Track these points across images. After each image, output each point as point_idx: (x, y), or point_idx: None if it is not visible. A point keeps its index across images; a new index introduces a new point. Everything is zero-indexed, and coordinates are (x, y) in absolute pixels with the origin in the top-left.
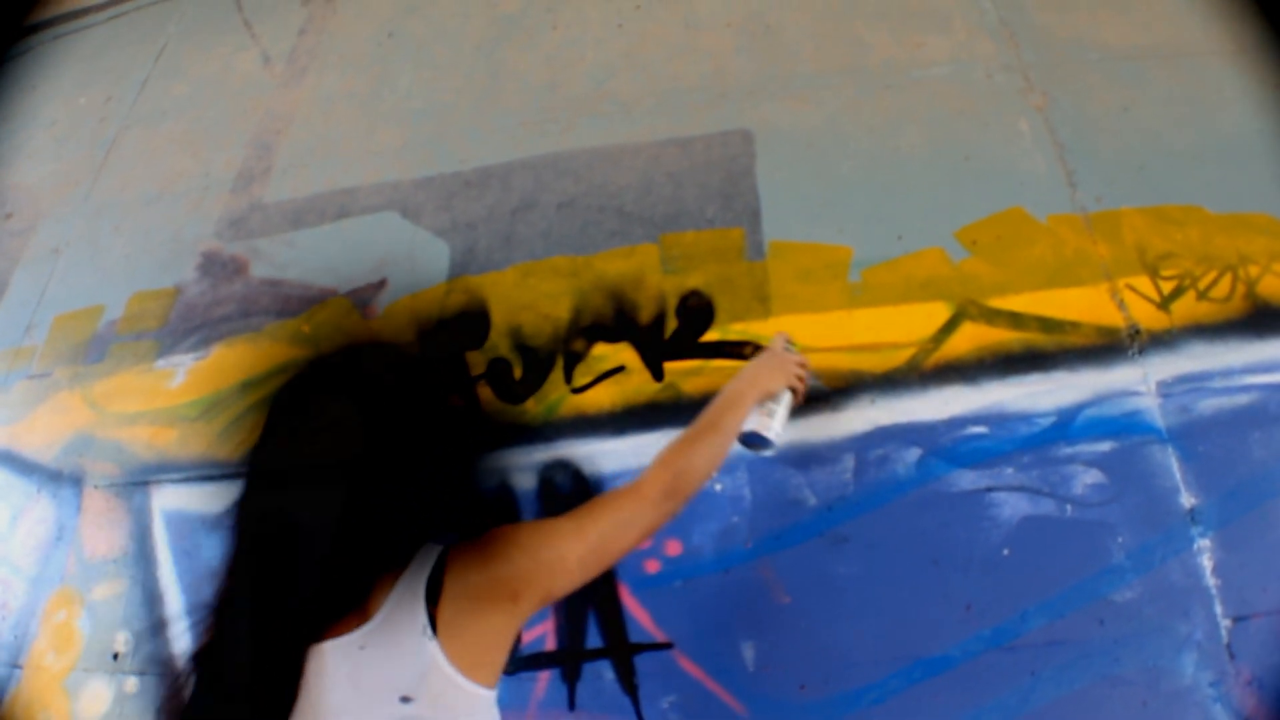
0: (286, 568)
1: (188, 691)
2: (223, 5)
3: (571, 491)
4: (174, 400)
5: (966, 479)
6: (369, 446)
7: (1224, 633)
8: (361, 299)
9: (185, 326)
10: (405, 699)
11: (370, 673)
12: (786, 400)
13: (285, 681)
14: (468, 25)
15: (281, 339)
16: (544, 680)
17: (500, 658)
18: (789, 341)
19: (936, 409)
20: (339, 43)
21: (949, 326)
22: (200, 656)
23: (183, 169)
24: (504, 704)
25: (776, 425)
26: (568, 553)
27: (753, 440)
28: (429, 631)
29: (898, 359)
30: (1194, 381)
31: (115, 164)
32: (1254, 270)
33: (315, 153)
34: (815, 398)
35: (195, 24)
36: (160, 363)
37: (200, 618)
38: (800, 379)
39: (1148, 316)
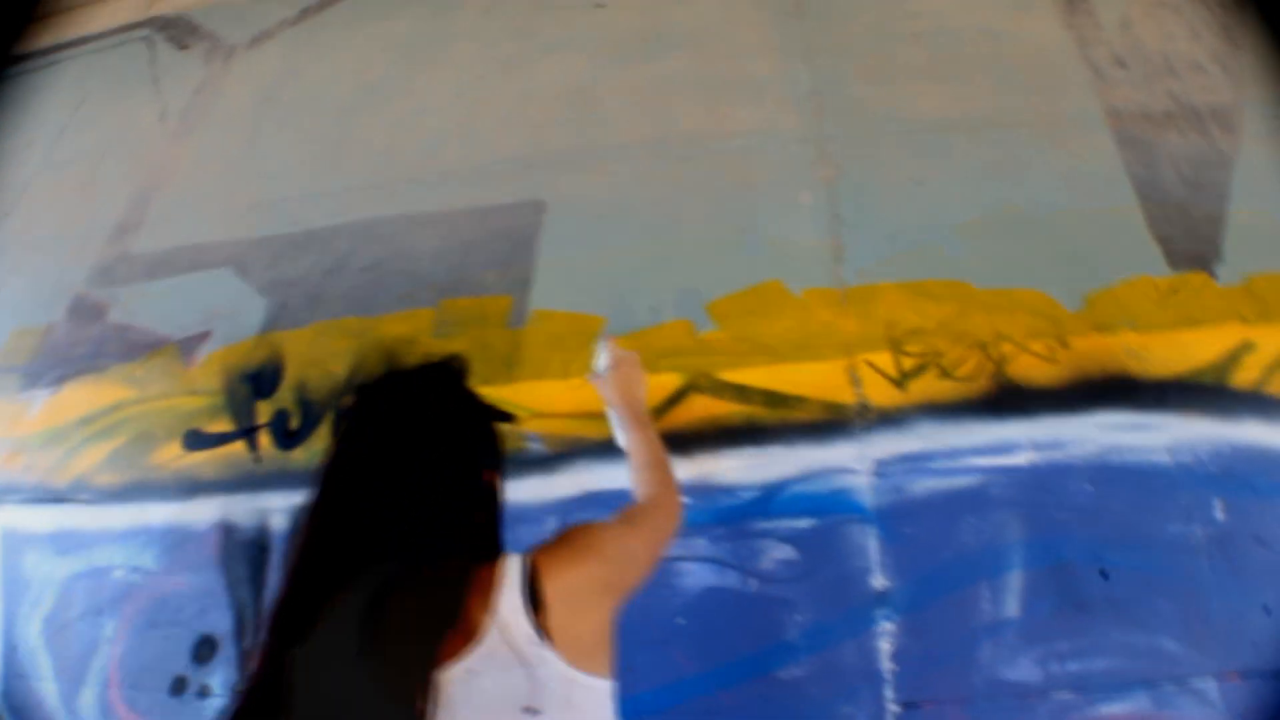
0: (391, 589)
1: None
2: (139, 59)
3: None
4: (27, 430)
5: None
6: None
7: (889, 718)
8: (188, 348)
9: (48, 363)
10: (530, 710)
11: (488, 694)
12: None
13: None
14: (335, 90)
15: (118, 380)
16: None
17: (609, 647)
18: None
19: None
20: (225, 102)
21: (676, 397)
22: (272, 692)
23: (76, 215)
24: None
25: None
26: (637, 549)
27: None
28: (539, 640)
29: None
30: (915, 461)
31: (25, 206)
32: (1007, 349)
33: (182, 207)
34: (535, 460)
35: (114, 76)
36: (22, 395)
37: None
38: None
39: (881, 393)
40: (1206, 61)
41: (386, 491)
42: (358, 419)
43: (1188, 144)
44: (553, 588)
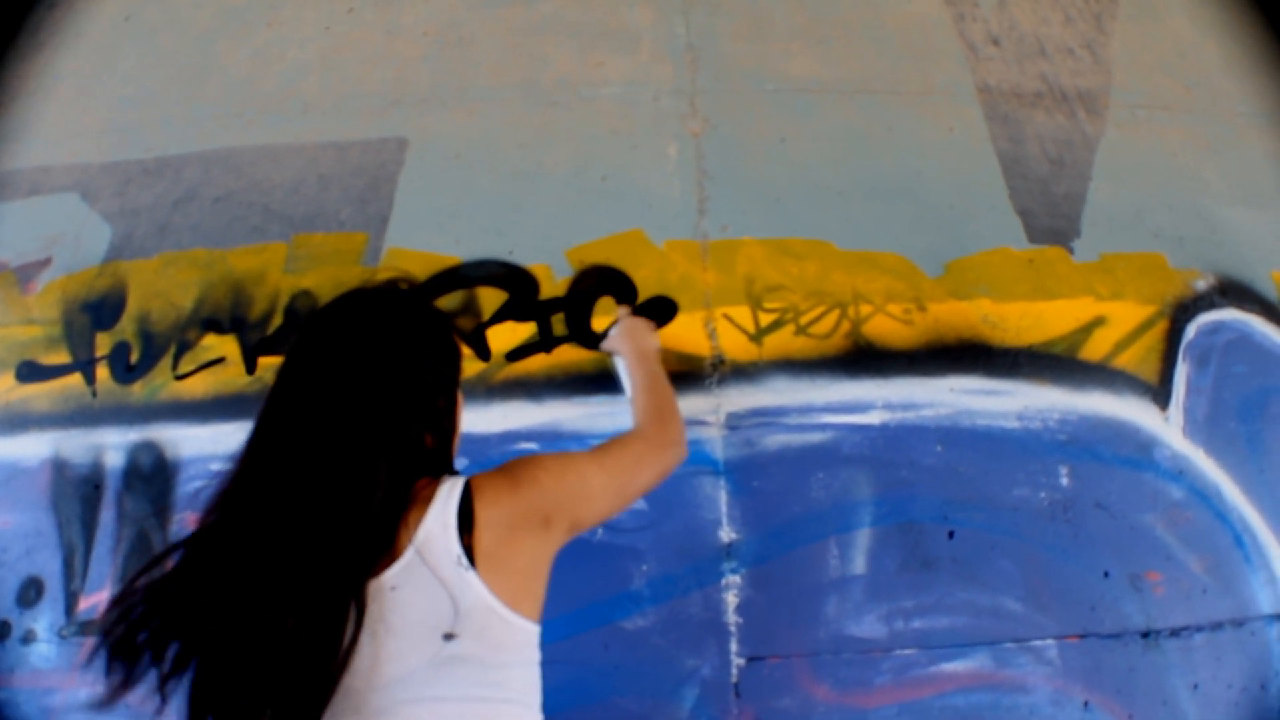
0: (322, 510)
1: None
2: None
3: (152, 473)
4: None
5: None
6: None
7: (734, 671)
8: (26, 275)
9: None
10: (448, 636)
11: (406, 614)
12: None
13: (332, 629)
14: (197, 15)
15: None
16: (89, 646)
17: (540, 589)
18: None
19: (495, 422)
20: (81, 21)
21: (529, 343)
22: (204, 615)
23: None
24: (52, 665)
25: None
26: (592, 479)
27: None
28: (465, 562)
29: (469, 370)
30: (767, 416)
31: None
32: (865, 309)
33: (28, 129)
34: None
35: None
36: None
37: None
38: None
39: (737, 348)
40: (1078, 47)
41: (341, 402)
42: (320, 330)
43: (1054, 124)
44: (484, 512)
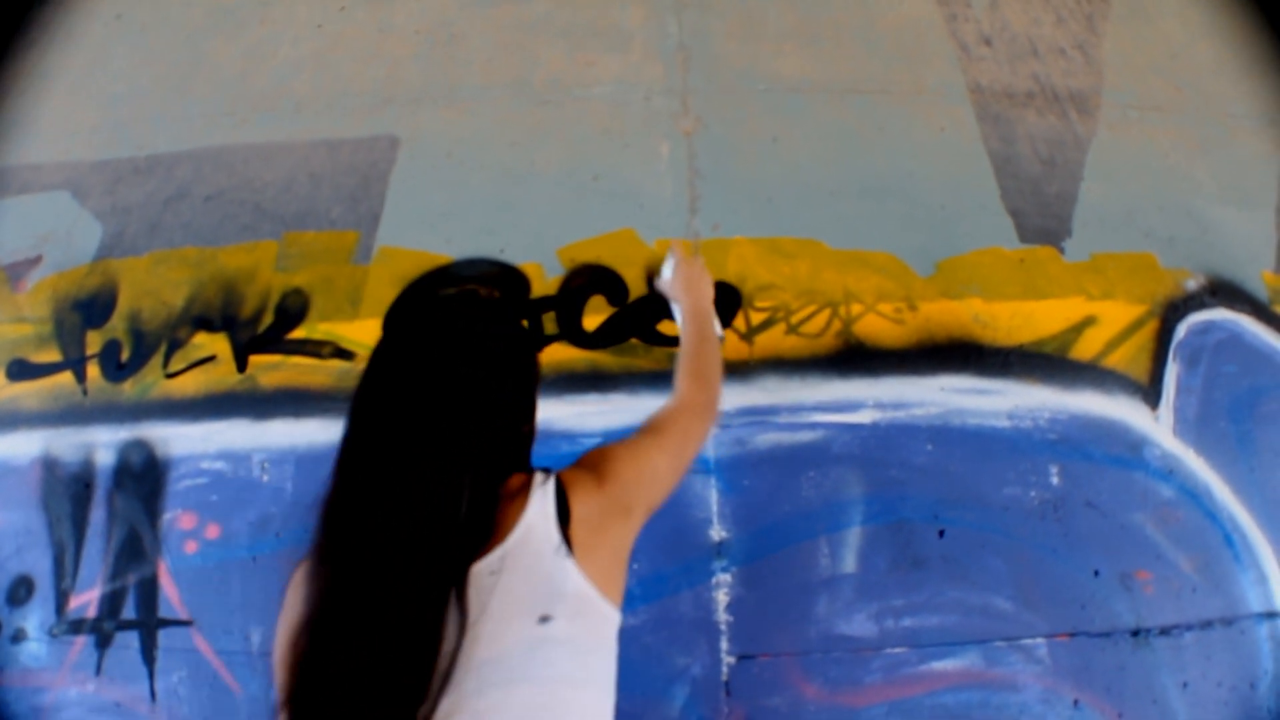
0: (429, 495)
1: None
2: None
3: (143, 472)
4: None
5: None
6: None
7: (725, 670)
8: (17, 273)
9: None
10: (544, 618)
11: (506, 596)
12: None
13: (435, 617)
14: (189, 13)
15: None
16: (79, 645)
17: (623, 577)
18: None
19: None
20: (72, 19)
21: None
22: (324, 597)
23: None
24: (42, 664)
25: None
26: (659, 463)
27: None
28: (564, 550)
29: None
30: (758, 415)
31: None
32: (856, 308)
33: (18, 127)
34: None
35: None
36: None
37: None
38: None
39: (728, 346)
40: (1069, 47)
41: (433, 413)
42: (409, 341)
43: (1046, 124)
44: (578, 506)
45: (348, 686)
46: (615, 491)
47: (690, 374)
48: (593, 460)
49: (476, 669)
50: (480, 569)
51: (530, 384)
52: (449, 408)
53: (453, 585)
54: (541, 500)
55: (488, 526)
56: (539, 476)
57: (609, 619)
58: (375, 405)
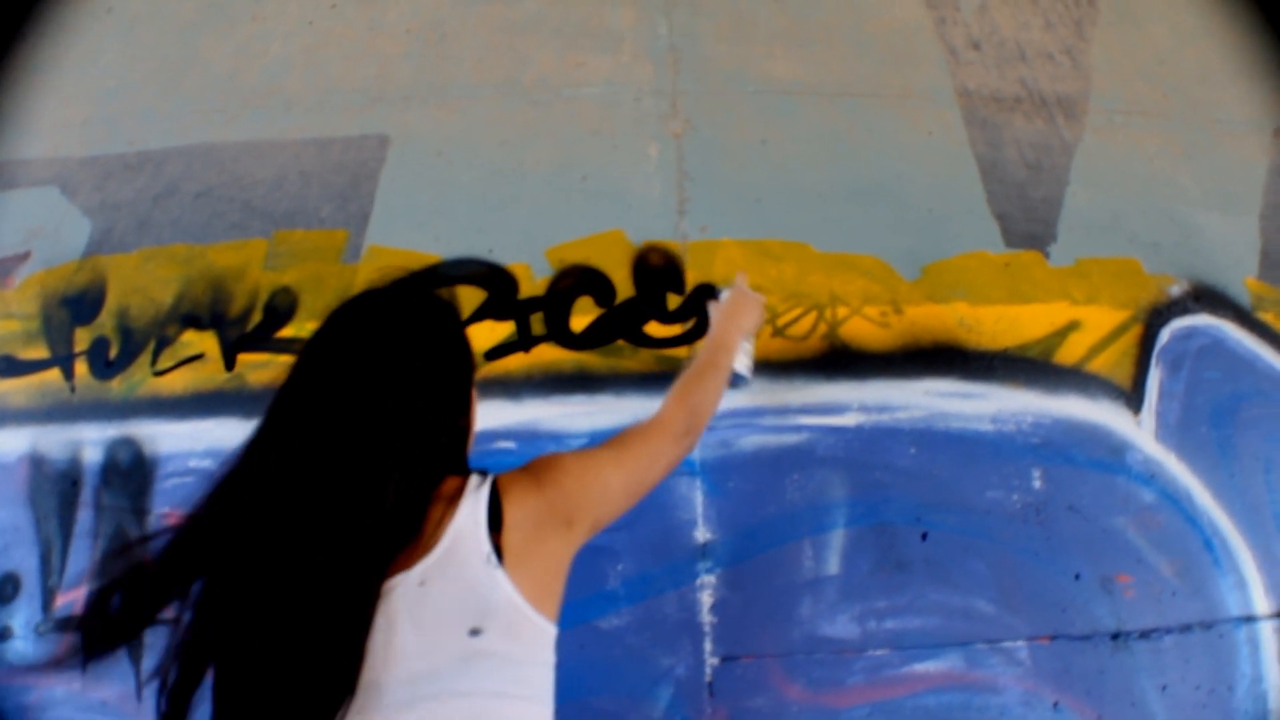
0: (347, 500)
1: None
2: None
3: (131, 469)
4: None
5: None
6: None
7: (708, 671)
8: (5, 269)
9: None
10: (475, 631)
11: (434, 608)
12: (752, 338)
13: (360, 625)
14: (180, 8)
15: None
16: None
17: (560, 589)
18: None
19: None
20: (61, 13)
21: (508, 342)
22: (231, 605)
23: None
24: (28, 660)
25: (749, 361)
26: (611, 479)
27: (732, 379)
28: (494, 560)
29: None
30: (743, 417)
31: None
32: (842, 311)
33: (7, 119)
34: None
35: None
36: None
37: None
38: (764, 316)
39: None
40: (1057, 52)
41: (355, 403)
42: (333, 332)
43: (1032, 129)
44: (512, 512)
45: (267, 697)
46: (555, 500)
47: (681, 395)
48: (537, 466)
49: (408, 682)
50: (409, 578)
51: (465, 374)
52: (374, 394)
53: (372, 593)
54: (473, 505)
55: (414, 526)
56: (474, 480)
57: (544, 632)
58: (297, 392)
